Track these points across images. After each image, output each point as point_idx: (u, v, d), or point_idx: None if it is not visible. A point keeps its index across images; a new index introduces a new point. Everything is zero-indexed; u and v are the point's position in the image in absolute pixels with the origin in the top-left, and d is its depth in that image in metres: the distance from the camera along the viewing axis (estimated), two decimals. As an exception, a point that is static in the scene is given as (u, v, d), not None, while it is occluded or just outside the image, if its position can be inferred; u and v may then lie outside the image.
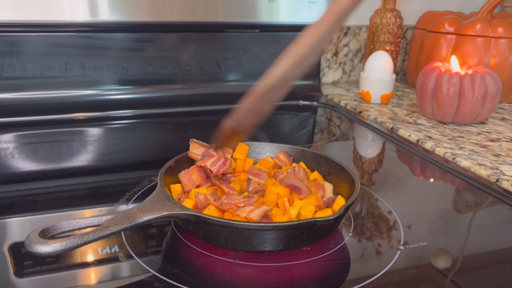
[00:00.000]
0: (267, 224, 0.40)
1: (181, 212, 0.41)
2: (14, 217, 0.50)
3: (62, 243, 0.35)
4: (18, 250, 0.44)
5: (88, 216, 0.40)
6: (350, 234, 0.48)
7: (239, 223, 0.40)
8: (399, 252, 0.45)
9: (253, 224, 0.40)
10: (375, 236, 0.49)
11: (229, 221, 0.40)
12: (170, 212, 0.41)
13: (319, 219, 0.40)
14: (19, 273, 0.41)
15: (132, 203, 0.53)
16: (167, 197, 0.43)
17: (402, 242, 0.47)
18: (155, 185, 0.56)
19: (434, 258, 0.45)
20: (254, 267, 0.42)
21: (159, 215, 0.40)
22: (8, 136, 0.76)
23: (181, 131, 0.85)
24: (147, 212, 0.40)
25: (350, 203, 0.44)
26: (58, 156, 0.69)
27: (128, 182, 0.59)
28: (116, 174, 0.65)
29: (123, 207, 0.52)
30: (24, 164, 0.66)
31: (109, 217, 0.39)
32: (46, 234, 0.37)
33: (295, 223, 0.40)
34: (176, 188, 0.50)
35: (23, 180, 0.61)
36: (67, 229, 0.38)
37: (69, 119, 0.84)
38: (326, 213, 0.45)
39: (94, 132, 0.82)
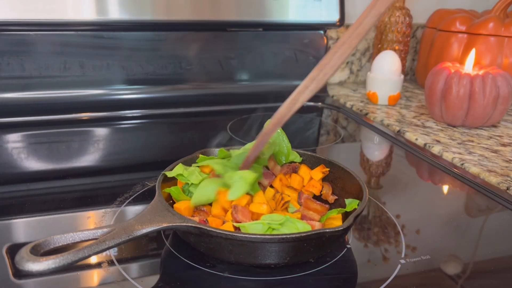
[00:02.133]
0: (273, 237, 0.38)
1: (182, 223, 0.39)
2: (12, 219, 0.50)
3: (55, 260, 0.33)
4: (17, 252, 0.43)
5: (83, 230, 0.37)
6: (356, 239, 0.47)
7: (243, 235, 0.38)
8: (406, 258, 0.44)
9: (258, 236, 0.38)
10: (382, 241, 0.48)
11: (233, 234, 0.38)
12: (170, 224, 0.39)
13: (327, 230, 0.38)
14: (18, 275, 0.40)
15: (126, 205, 0.52)
16: (167, 207, 0.41)
17: (410, 248, 0.46)
18: (147, 190, 0.56)
19: (444, 264, 0.44)
20: (246, 281, 0.40)
21: (158, 227, 0.38)
22: (7, 137, 0.75)
23: (180, 133, 0.84)
24: (145, 224, 0.38)
25: (359, 212, 0.42)
26: (54, 157, 0.68)
27: (122, 185, 0.58)
28: (112, 176, 0.63)
29: (118, 210, 0.50)
30: (20, 166, 0.65)
31: (105, 230, 0.37)
32: (38, 250, 0.35)
33: (302, 234, 0.38)
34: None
35: (19, 181, 0.60)
36: (60, 244, 0.36)
37: (69, 120, 0.83)
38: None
39: (92, 133, 0.81)
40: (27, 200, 0.54)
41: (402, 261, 0.44)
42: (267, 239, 0.38)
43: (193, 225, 0.39)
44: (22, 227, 0.49)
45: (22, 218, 0.50)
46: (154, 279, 0.41)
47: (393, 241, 0.48)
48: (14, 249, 0.44)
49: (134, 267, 0.42)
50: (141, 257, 0.43)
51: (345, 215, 0.46)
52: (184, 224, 0.39)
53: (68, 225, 0.50)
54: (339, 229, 0.39)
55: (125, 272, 0.41)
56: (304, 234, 0.38)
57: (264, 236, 0.38)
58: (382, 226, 0.51)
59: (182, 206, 0.45)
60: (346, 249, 0.45)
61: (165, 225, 0.38)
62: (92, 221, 0.49)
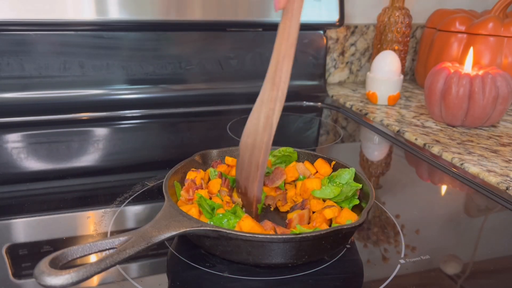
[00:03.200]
0: (295, 236, 0.38)
1: (200, 228, 0.38)
2: (11, 219, 0.50)
3: (78, 272, 0.31)
4: (16, 252, 0.44)
5: (100, 240, 0.36)
6: (356, 239, 0.47)
7: (264, 236, 0.38)
8: (406, 258, 0.44)
9: (279, 236, 0.38)
10: (381, 241, 0.48)
11: (254, 235, 0.38)
12: (188, 229, 0.38)
13: (345, 227, 0.39)
14: (18, 275, 0.40)
15: (126, 205, 0.52)
16: (180, 211, 0.40)
17: (409, 248, 0.46)
18: (147, 190, 0.56)
19: (443, 264, 0.44)
20: (245, 281, 0.40)
21: (177, 232, 0.38)
22: (7, 137, 0.75)
23: (180, 133, 0.84)
24: (162, 230, 0.38)
25: (369, 207, 0.43)
26: (53, 157, 0.68)
27: (122, 185, 0.58)
28: (112, 176, 0.63)
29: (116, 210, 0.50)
30: (19, 166, 0.65)
31: (122, 238, 0.36)
32: (57, 263, 0.33)
33: (322, 232, 0.38)
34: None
35: (19, 181, 0.60)
36: (78, 256, 0.35)
37: (69, 120, 0.83)
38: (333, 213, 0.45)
39: (92, 133, 0.81)
40: (26, 200, 0.54)
41: (402, 261, 0.44)
42: (288, 239, 0.38)
43: (212, 228, 0.38)
44: (22, 227, 0.49)
45: (21, 218, 0.50)
46: (154, 279, 0.41)
47: (393, 241, 0.48)
48: (13, 249, 0.44)
49: (133, 267, 0.42)
50: (140, 257, 0.43)
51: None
52: (202, 228, 0.38)
53: (67, 225, 0.49)
54: (355, 225, 0.40)
55: (125, 272, 0.41)
56: (324, 232, 0.38)
57: (285, 236, 0.38)
58: (382, 226, 0.50)
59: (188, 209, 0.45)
60: (345, 249, 0.45)
61: (182, 230, 0.38)
62: (92, 221, 0.49)
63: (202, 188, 0.48)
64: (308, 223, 0.46)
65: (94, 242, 0.36)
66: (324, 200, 0.49)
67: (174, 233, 0.38)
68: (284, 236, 0.38)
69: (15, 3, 0.75)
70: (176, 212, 0.40)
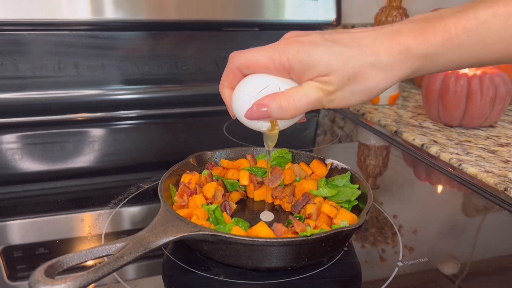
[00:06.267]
0: (295, 239, 0.38)
1: (198, 232, 0.38)
2: (5, 221, 0.49)
3: (75, 281, 0.30)
4: (11, 254, 0.43)
5: (96, 246, 0.35)
6: (353, 240, 0.47)
7: (264, 240, 0.38)
8: (404, 259, 0.44)
9: (279, 240, 0.38)
10: (379, 242, 0.48)
11: (253, 239, 0.38)
12: (186, 234, 0.38)
13: (345, 228, 0.39)
14: (12, 277, 0.40)
15: (120, 207, 0.51)
16: (177, 216, 0.40)
17: (407, 249, 0.46)
18: (142, 192, 0.55)
19: (441, 265, 0.44)
20: (241, 285, 0.40)
21: (174, 237, 0.37)
22: (1, 138, 0.74)
23: (176, 133, 0.83)
24: (160, 236, 0.37)
25: (368, 208, 0.43)
26: (48, 158, 0.68)
27: (117, 186, 0.57)
28: (107, 177, 0.63)
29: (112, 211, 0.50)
30: (14, 167, 0.65)
31: (118, 245, 0.36)
32: (52, 272, 0.32)
33: (322, 235, 0.38)
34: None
35: (13, 183, 0.60)
36: (74, 263, 0.34)
37: (64, 120, 0.82)
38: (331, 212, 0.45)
39: (87, 134, 0.80)
40: (20, 201, 0.54)
41: (400, 262, 0.43)
42: (288, 242, 0.38)
43: (210, 233, 0.38)
44: (16, 229, 0.49)
45: (15, 220, 0.50)
46: (148, 282, 0.40)
47: (390, 241, 0.47)
48: (8, 251, 0.44)
49: (127, 270, 0.41)
50: (134, 260, 0.43)
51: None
52: (201, 233, 0.38)
53: (62, 227, 0.49)
54: (355, 226, 0.39)
55: (119, 275, 0.40)
56: (324, 235, 0.38)
57: (285, 239, 0.38)
58: (379, 227, 0.50)
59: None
60: (343, 251, 0.45)
61: (180, 234, 0.37)
62: (86, 223, 0.49)
63: (196, 193, 0.48)
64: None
65: (90, 249, 0.35)
66: (324, 198, 0.49)
67: (172, 238, 0.37)
68: (284, 240, 0.38)
69: (9, 2, 0.75)
70: (173, 217, 0.40)
